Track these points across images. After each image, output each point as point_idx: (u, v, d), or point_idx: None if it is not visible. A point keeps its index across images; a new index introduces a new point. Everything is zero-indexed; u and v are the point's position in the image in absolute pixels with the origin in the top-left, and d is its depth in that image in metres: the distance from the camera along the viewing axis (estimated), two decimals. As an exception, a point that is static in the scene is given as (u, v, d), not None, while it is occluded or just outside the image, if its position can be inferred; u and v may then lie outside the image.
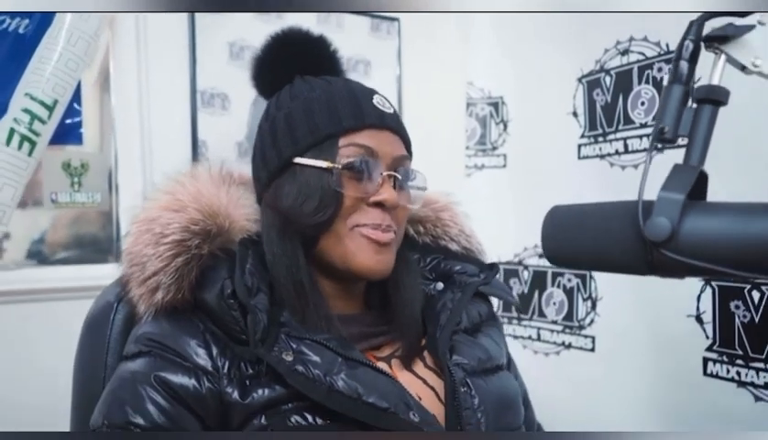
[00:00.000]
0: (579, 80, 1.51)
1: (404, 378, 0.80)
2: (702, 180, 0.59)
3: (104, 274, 1.01)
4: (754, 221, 0.52)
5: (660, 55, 1.32)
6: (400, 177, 0.81)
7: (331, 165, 0.78)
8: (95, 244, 1.42)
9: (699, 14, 0.61)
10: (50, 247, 1.48)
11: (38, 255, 1.48)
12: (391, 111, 0.84)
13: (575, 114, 1.53)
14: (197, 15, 1.43)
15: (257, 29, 1.49)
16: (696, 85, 0.60)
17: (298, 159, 0.80)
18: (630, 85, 1.38)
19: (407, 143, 0.86)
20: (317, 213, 0.78)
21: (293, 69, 0.88)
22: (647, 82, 1.35)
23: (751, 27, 0.58)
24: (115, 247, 1.35)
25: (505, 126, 1.78)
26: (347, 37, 1.63)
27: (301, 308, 0.78)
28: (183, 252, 0.76)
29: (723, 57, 0.59)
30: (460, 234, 0.97)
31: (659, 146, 0.59)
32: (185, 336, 0.76)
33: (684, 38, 0.61)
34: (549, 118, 1.60)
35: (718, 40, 0.59)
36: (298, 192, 0.79)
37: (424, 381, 0.81)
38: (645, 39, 1.34)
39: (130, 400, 0.72)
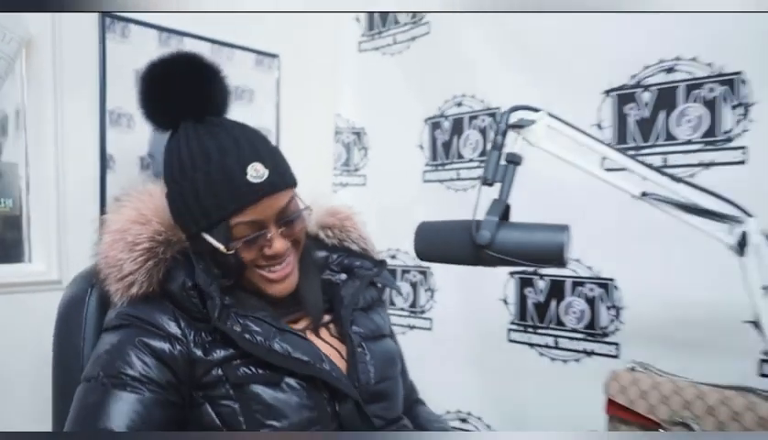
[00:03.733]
0: (425, 121, 1.81)
1: (315, 342, 1.00)
2: (507, 208, 0.93)
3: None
4: (534, 233, 0.89)
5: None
6: (285, 225, 0.97)
7: (226, 249, 0.94)
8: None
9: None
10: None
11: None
12: (266, 176, 0.93)
13: (421, 146, 1.83)
14: (108, 43, 1.53)
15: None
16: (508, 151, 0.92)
17: (204, 235, 0.96)
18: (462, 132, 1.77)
19: (287, 181, 0.98)
20: (225, 275, 0.98)
21: (174, 95, 1.00)
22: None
23: (533, 122, 0.93)
24: (27, 250, 1.46)
25: (366, 152, 1.97)
26: (236, 68, 1.75)
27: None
28: (152, 257, 0.94)
29: (521, 137, 0.95)
30: (359, 238, 1.17)
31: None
32: (158, 313, 0.94)
33: (498, 124, 0.96)
34: (400, 148, 1.85)
35: (517, 127, 0.94)
36: (211, 256, 0.97)
37: (330, 345, 1.03)
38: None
39: (119, 357, 0.89)
